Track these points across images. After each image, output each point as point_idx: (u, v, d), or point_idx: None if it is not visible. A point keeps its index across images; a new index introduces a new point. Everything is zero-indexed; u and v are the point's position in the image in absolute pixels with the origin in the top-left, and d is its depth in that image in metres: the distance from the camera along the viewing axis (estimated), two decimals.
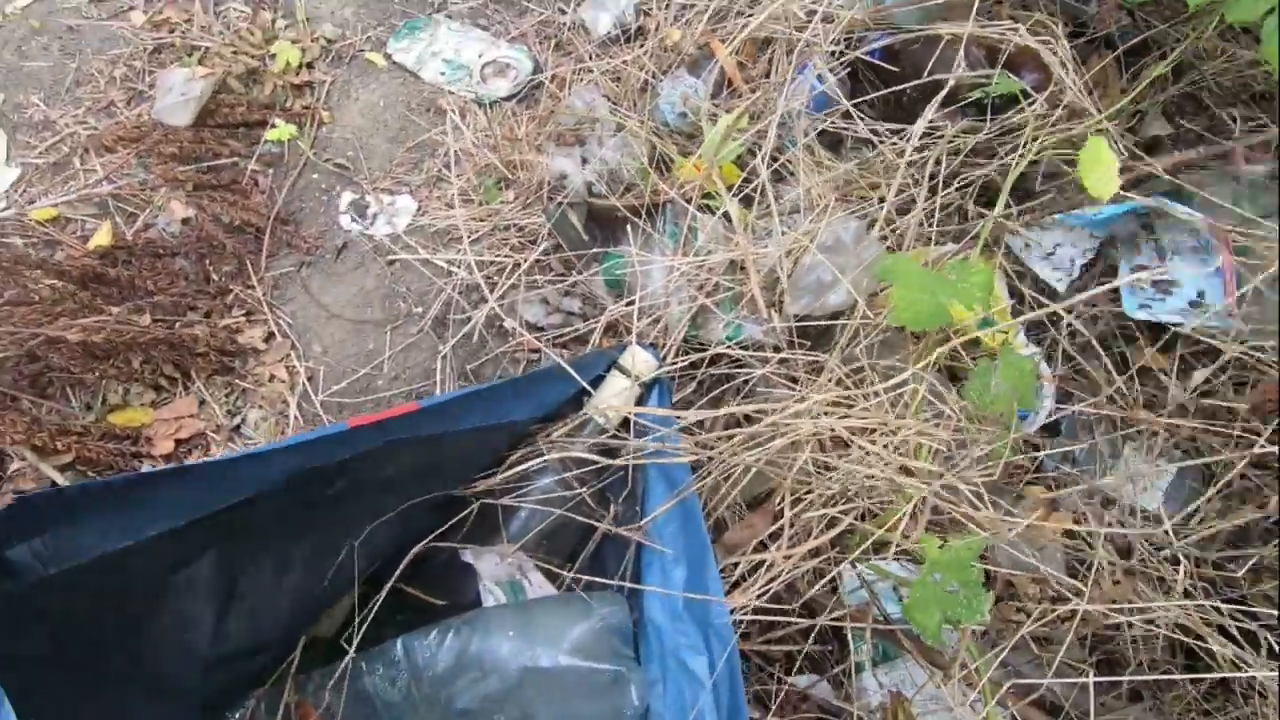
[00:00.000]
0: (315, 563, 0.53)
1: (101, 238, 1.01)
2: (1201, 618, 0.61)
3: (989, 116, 0.86)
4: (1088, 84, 0.92)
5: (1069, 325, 0.87)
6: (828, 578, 0.67)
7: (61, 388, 0.93)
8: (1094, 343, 0.87)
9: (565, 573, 0.73)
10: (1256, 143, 0.86)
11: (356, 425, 0.51)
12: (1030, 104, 0.81)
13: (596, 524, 0.69)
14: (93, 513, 0.42)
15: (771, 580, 0.70)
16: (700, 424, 0.80)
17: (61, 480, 0.85)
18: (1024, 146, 0.79)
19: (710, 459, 0.73)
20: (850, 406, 0.68)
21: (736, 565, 0.71)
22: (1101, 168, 0.75)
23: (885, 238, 0.78)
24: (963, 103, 0.85)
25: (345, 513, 0.55)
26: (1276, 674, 0.59)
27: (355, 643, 0.54)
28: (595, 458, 0.73)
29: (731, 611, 0.65)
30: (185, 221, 1.03)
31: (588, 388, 0.72)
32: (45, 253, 1.00)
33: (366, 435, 0.52)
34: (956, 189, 0.83)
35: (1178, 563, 0.67)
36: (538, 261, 0.93)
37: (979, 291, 0.72)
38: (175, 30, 1.16)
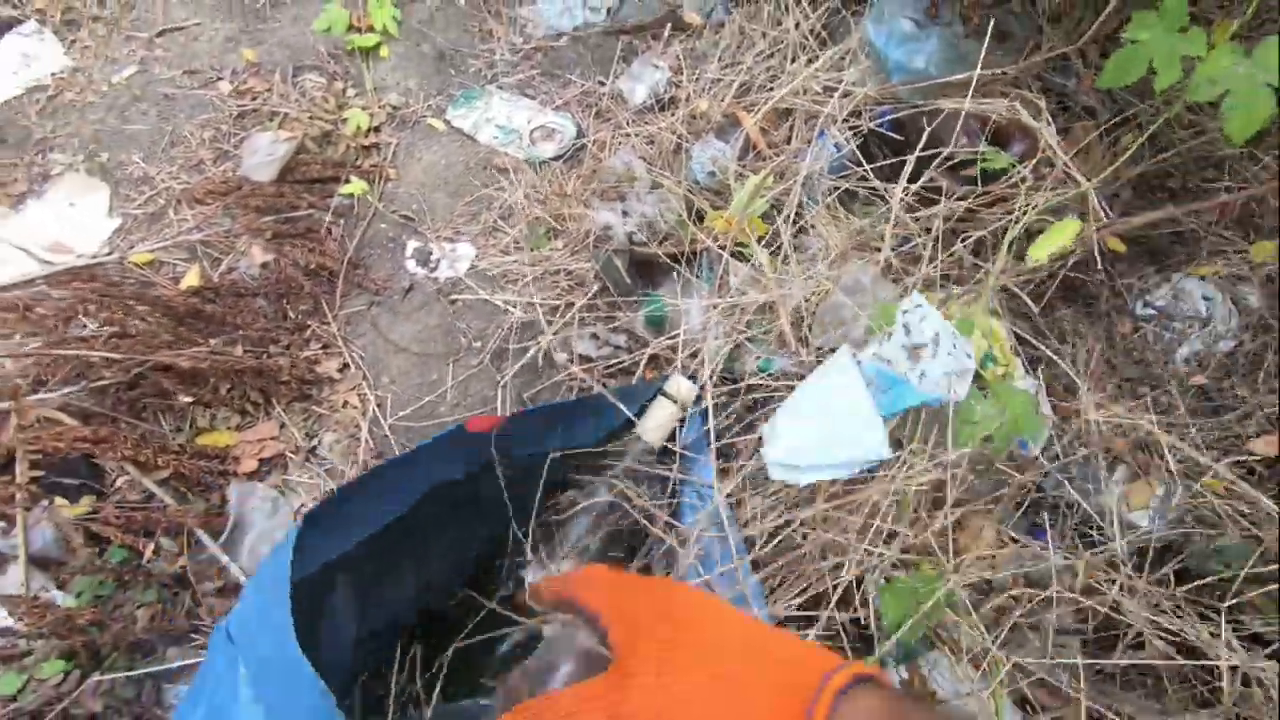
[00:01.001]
0: (448, 556, 0.63)
1: (191, 279, 1.12)
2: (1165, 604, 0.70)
3: (979, 183, 0.99)
4: (1072, 151, 1.05)
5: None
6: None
7: (154, 412, 1.03)
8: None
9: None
10: (1214, 204, 0.98)
11: (474, 429, 0.62)
12: (1019, 175, 0.93)
13: (649, 528, 0.78)
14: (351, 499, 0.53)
15: (805, 589, 0.79)
16: (732, 446, 0.90)
17: (159, 492, 0.94)
18: (1018, 210, 0.91)
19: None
20: None
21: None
22: (1057, 239, 0.86)
23: (898, 280, 0.90)
24: (957, 166, 0.98)
25: (463, 519, 0.65)
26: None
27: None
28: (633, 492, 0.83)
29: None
30: (264, 265, 1.15)
31: (667, 395, 0.83)
32: (143, 292, 1.11)
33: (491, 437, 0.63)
34: (961, 242, 0.94)
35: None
36: (587, 302, 1.04)
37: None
38: (258, 98, 1.31)
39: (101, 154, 1.22)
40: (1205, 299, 1.01)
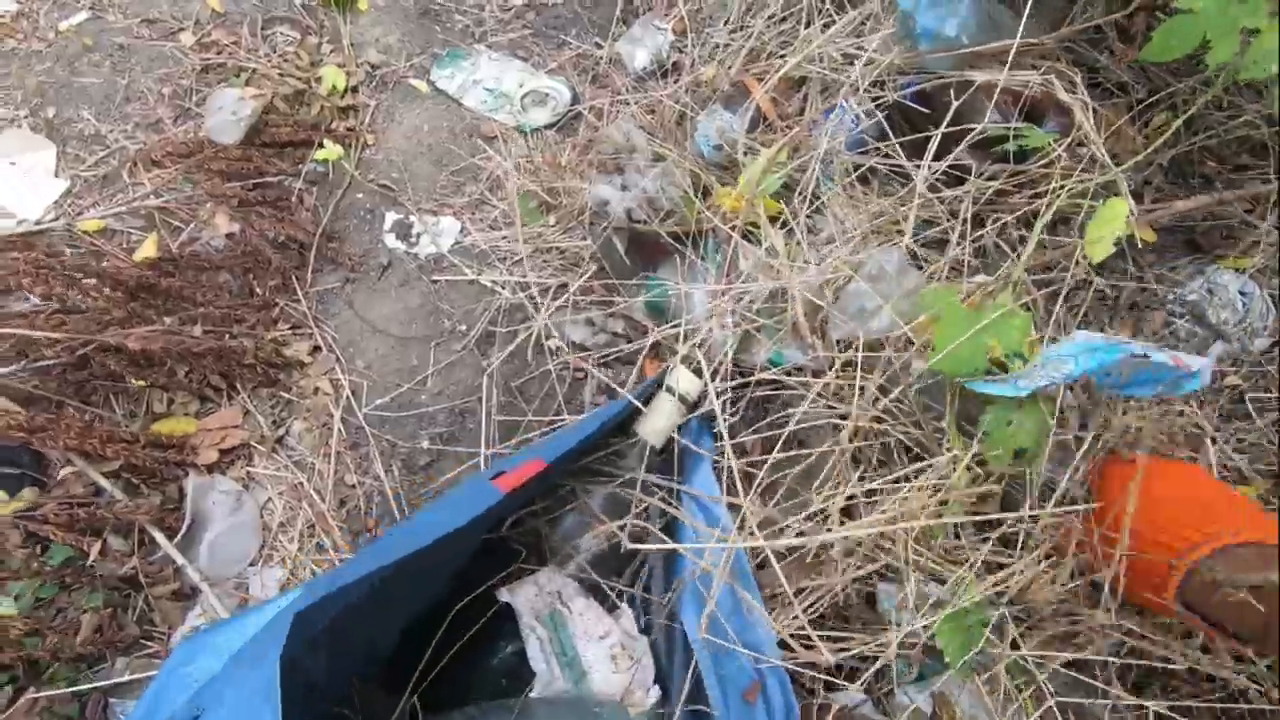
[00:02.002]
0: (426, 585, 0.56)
1: (147, 249, 1.02)
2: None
3: (1011, 161, 0.91)
4: (1103, 133, 0.97)
5: None
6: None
7: (105, 396, 0.94)
8: None
9: (615, 590, 0.75)
10: (1251, 194, 0.91)
11: (509, 490, 0.54)
12: (1054, 154, 0.86)
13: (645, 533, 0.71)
14: None
15: (818, 600, 0.73)
16: (742, 445, 0.83)
17: (108, 486, 0.85)
18: (1051, 194, 0.83)
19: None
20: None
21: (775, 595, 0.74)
22: (1109, 228, 0.78)
23: (923, 267, 0.82)
24: (985, 144, 0.90)
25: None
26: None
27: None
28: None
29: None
30: (229, 236, 1.06)
31: (670, 389, 0.75)
32: (87, 263, 1.01)
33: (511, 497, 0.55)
34: (990, 225, 0.87)
35: None
36: (582, 285, 0.96)
37: (1018, 335, 0.75)
38: (223, 52, 1.19)
39: (47, 109, 1.11)
40: (1242, 294, 0.95)
